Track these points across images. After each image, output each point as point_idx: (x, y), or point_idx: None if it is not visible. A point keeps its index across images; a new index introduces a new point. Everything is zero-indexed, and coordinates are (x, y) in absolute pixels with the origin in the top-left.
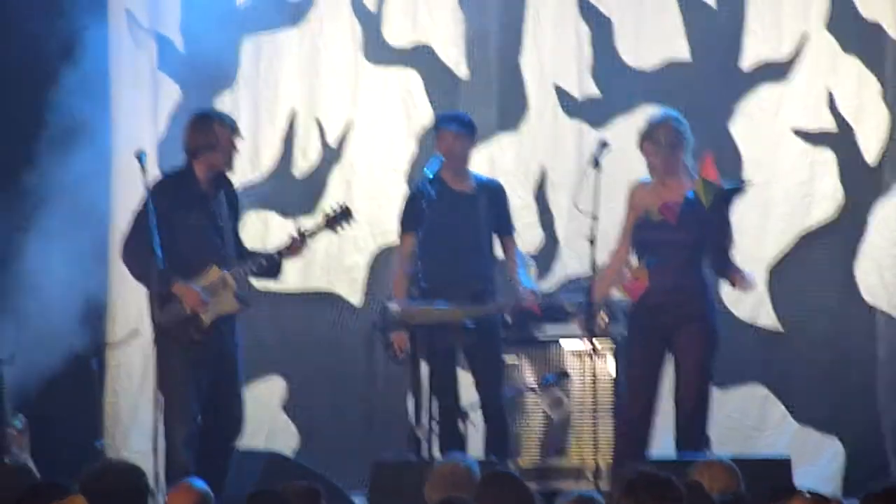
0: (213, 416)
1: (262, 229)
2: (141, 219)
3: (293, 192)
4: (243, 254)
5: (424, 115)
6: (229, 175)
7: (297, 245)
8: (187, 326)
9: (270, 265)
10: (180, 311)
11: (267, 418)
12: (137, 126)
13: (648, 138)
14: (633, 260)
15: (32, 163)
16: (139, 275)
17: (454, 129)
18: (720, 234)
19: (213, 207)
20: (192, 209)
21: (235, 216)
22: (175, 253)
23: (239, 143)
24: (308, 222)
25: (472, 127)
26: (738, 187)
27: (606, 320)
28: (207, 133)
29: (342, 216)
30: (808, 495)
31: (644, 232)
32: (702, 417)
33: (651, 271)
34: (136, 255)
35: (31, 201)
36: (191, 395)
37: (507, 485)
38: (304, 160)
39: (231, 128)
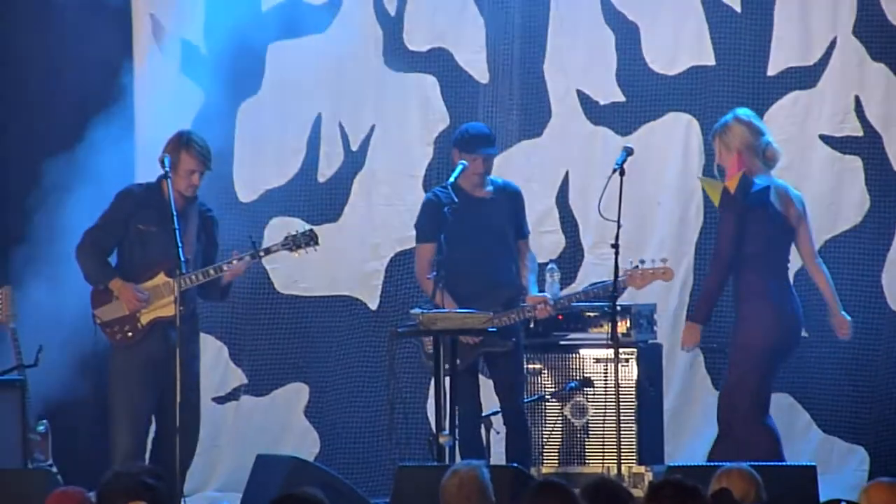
0: (166, 424)
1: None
2: (105, 218)
3: (317, 197)
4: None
5: (441, 120)
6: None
7: (247, 260)
8: (123, 324)
9: (215, 285)
10: (119, 308)
11: (289, 424)
12: (161, 130)
13: None
14: None
15: (61, 162)
16: (84, 268)
17: (492, 151)
18: None
19: (178, 220)
20: (152, 217)
21: (208, 240)
22: (128, 255)
23: (198, 177)
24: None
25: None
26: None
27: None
28: (174, 155)
29: (305, 240)
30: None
31: None
32: None
33: None
34: (87, 250)
35: (54, 204)
36: (139, 406)
37: (558, 496)
38: (328, 166)
39: (198, 160)
